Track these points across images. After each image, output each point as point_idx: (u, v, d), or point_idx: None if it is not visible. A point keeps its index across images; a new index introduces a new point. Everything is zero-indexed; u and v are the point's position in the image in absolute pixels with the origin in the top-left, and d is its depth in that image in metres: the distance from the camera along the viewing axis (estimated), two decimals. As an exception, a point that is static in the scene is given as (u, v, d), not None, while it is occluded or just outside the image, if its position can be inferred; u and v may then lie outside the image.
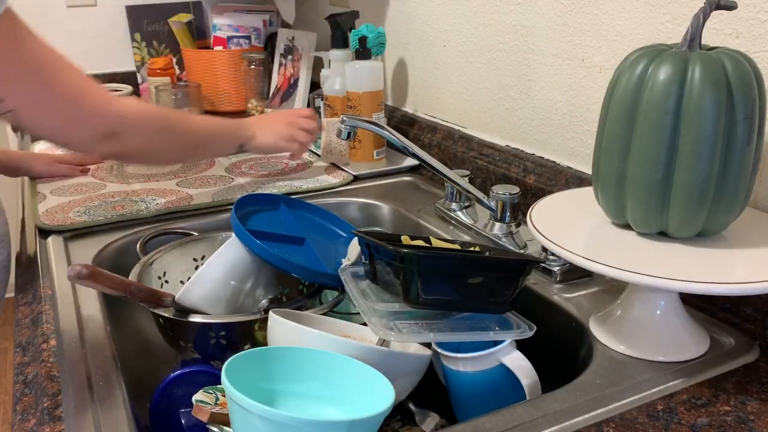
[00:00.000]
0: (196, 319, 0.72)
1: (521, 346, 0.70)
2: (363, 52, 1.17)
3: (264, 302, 0.73)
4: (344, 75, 1.25)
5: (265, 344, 0.76)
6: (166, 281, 0.84)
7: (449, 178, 0.93)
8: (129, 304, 0.81)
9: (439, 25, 1.20)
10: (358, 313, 0.88)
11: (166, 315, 0.72)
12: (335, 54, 1.26)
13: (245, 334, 0.74)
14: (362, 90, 1.17)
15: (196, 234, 0.90)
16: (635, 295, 0.69)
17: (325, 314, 0.79)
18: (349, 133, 0.96)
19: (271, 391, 0.60)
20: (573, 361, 0.73)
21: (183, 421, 0.71)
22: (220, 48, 1.73)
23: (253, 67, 1.65)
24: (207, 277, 0.73)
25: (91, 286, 0.67)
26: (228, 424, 0.59)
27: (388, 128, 0.95)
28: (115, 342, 0.73)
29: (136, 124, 0.85)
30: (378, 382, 0.59)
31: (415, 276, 0.64)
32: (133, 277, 0.78)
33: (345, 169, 1.23)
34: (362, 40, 1.17)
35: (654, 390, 0.60)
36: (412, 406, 0.70)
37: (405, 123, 1.31)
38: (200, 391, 0.64)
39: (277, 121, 1.13)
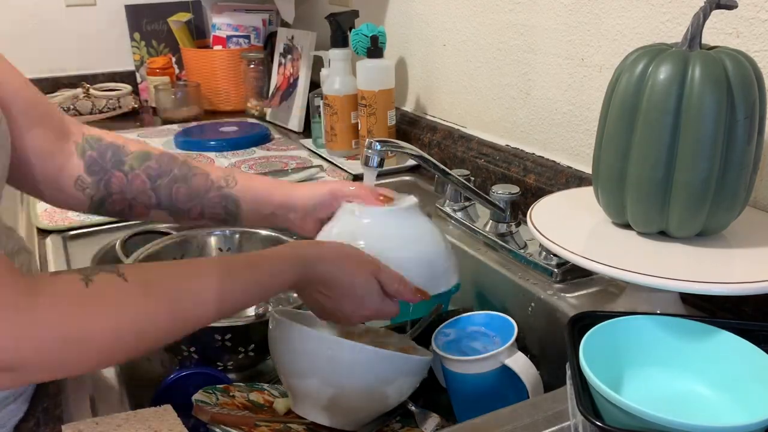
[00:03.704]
0: None
1: (521, 346, 0.70)
2: (375, 51, 1.17)
3: (261, 310, 0.73)
4: (348, 74, 1.26)
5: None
6: None
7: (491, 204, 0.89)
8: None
9: (439, 25, 1.20)
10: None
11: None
12: (335, 53, 1.26)
13: (249, 336, 0.74)
14: (377, 88, 1.17)
15: (174, 234, 0.90)
16: (635, 295, 0.69)
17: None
18: (381, 161, 0.76)
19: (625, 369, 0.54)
20: (573, 361, 0.73)
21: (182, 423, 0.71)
22: (219, 47, 1.73)
23: (252, 66, 1.65)
24: None
25: None
26: (228, 424, 0.59)
27: (425, 155, 0.82)
28: (114, 342, 0.73)
29: (49, 354, 0.44)
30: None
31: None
32: None
33: (345, 168, 1.23)
34: (374, 39, 1.17)
35: (654, 390, 0.60)
36: (412, 407, 0.70)
37: (405, 122, 1.31)
38: (200, 391, 0.64)
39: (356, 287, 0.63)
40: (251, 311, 0.87)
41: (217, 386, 0.67)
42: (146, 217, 0.73)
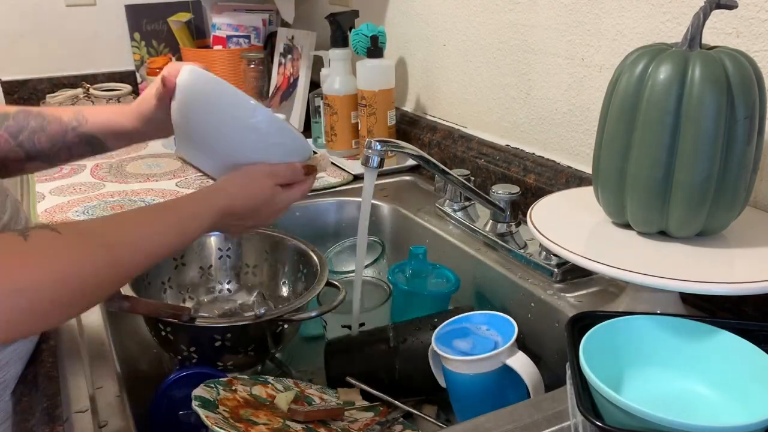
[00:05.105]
0: (204, 323, 0.71)
1: (521, 346, 0.70)
2: (375, 51, 1.17)
3: (261, 310, 0.72)
4: (348, 74, 1.26)
5: (271, 347, 0.76)
6: (149, 283, 0.84)
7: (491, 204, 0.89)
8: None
9: (439, 24, 1.20)
10: (352, 271, 0.90)
11: (177, 322, 0.71)
12: (335, 53, 1.26)
13: (248, 336, 0.74)
14: (377, 88, 1.17)
15: None
16: (635, 295, 0.69)
17: (323, 314, 0.78)
18: (381, 161, 0.77)
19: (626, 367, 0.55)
20: (573, 361, 0.73)
21: (183, 423, 0.71)
22: (219, 47, 1.73)
23: (252, 66, 1.64)
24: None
25: (130, 312, 0.70)
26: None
27: (425, 155, 0.82)
28: (115, 341, 0.73)
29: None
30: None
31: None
32: None
33: (345, 168, 1.23)
34: (374, 38, 1.17)
35: (654, 390, 0.60)
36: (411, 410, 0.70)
37: (405, 122, 1.31)
38: (201, 385, 0.64)
39: (256, 204, 0.71)
40: (250, 312, 0.87)
41: (220, 380, 0.67)
42: (23, 171, 0.80)
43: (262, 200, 0.71)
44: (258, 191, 0.70)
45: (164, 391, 0.71)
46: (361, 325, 0.83)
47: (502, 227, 0.91)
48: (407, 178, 1.21)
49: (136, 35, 1.85)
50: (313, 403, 0.71)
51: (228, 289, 0.93)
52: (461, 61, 1.15)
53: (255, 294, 0.92)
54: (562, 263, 0.80)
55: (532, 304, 0.79)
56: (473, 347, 0.72)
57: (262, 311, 0.72)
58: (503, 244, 0.89)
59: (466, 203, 1.00)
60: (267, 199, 0.71)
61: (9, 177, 0.78)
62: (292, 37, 1.56)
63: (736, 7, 0.60)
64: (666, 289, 0.58)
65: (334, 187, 1.15)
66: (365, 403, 0.74)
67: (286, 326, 0.77)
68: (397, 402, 0.73)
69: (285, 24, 1.75)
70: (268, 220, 0.73)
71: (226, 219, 0.68)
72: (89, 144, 0.80)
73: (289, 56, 1.56)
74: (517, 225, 0.91)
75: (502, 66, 1.05)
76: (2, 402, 0.61)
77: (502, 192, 0.89)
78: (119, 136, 0.82)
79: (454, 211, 1.00)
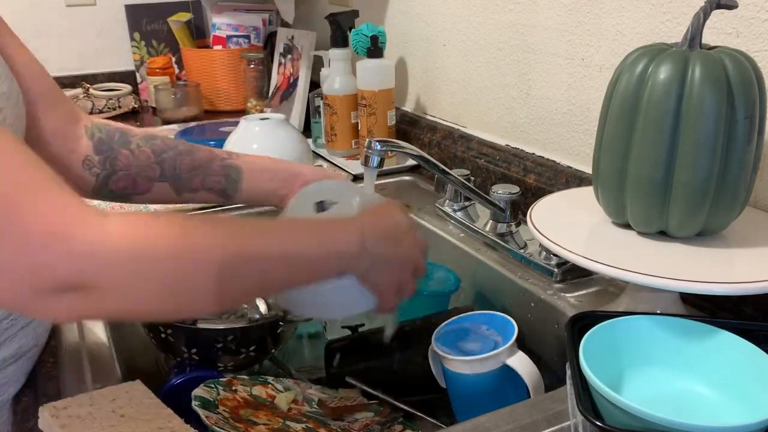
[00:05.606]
0: (207, 326, 0.71)
1: (521, 346, 0.70)
2: (375, 51, 1.17)
3: (255, 316, 0.72)
4: (348, 74, 1.26)
5: (270, 347, 0.76)
6: None
7: (491, 203, 0.89)
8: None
9: (439, 24, 1.20)
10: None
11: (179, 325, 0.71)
12: (335, 53, 1.26)
13: (249, 338, 0.74)
14: (377, 88, 1.17)
15: None
16: (635, 295, 0.69)
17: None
18: (381, 161, 0.77)
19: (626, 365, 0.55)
20: (573, 361, 0.73)
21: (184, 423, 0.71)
22: (219, 47, 1.73)
23: (252, 66, 1.64)
24: None
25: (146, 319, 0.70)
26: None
27: (425, 155, 0.83)
28: (115, 341, 0.73)
29: (121, 271, 0.44)
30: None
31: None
32: None
33: (345, 168, 1.23)
34: (374, 38, 1.17)
35: (654, 390, 0.60)
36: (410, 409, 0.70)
37: (405, 122, 1.31)
38: (200, 386, 0.64)
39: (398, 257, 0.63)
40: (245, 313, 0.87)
41: (219, 380, 0.67)
42: (149, 192, 0.75)
43: (396, 218, 0.64)
44: (388, 208, 0.65)
45: (167, 395, 0.70)
46: (361, 325, 0.83)
47: (502, 227, 0.91)
48: (407, 178, 1.21)
49: (136, 35, 1.85)
50: (314, 403, 0.71)
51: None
52: (461, 61, 1.15)
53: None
54: (562, 263, 0.80)
55: (532, 304, 0.80)
56: (473, 347, 0.72)
57: (256, 317, 0.71)
58: (503, 244, 0.89)
59: (466, 203, 1.00)
60: (400, 219, 0.64)
61: (127, 199, 0.75)
62: (292, 37, 1.56)
63: (736, 7, 0.60)
64: (666, 289, 0.58)
65: (334, 187, 1.15)
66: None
67: (285, 326, 0.77)
68: (397, 402, 0.73)
69: (285, 24, 1.75)
70: (409, 248, 0.64)
71: (368, 238, 0.59)
72: (227, 176, 0.75)
73: (289, 56, 1.56)
74: (517, 225, 0.91)
75: (502, 66, 1.05)
76: (0, 402, 0.61)
77: (502, 192, 0.89)
78: (265, 175, 0.76)
79: (454, 211, 1.00)
